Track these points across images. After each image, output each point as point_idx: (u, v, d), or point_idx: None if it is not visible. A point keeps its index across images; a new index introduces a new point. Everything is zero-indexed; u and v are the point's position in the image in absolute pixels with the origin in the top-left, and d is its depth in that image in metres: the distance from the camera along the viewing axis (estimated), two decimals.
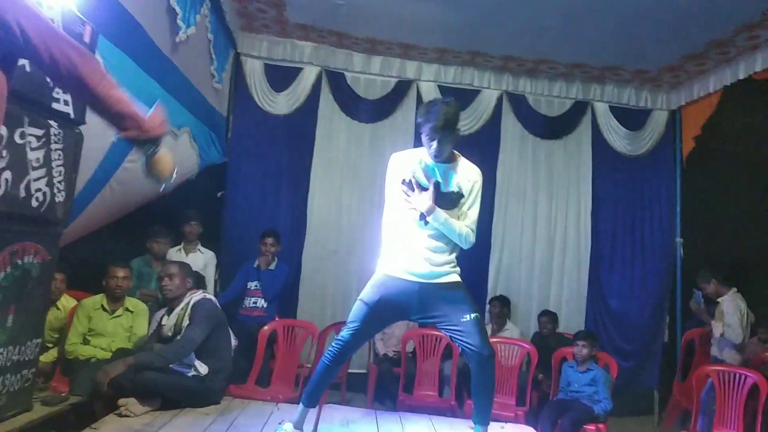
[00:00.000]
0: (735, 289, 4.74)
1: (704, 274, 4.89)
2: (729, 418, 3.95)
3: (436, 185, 2.65)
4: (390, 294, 2.65)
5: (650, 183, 6.36)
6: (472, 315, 2.60)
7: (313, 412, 2.93)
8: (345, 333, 2.69)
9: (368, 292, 2.70)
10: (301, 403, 2.77)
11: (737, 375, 4.02)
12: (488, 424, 2.76)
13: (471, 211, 2.72)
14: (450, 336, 2.69)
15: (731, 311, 4.57)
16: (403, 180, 2.67)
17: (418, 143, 5.73)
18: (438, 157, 2.64)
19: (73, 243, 4.14)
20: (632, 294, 6.24)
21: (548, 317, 5.46)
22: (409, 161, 2.74)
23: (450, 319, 2.61)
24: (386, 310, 2.70)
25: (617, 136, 6.35)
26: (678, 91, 6.19)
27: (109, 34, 3.24)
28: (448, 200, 2.67)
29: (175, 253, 4.75)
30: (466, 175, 2.72)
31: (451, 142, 2.64)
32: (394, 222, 2.71)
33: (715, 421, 4.03)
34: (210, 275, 4.87)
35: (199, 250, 4.84)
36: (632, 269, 6.26)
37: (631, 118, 6.37)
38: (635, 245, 6.30)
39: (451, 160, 2.72)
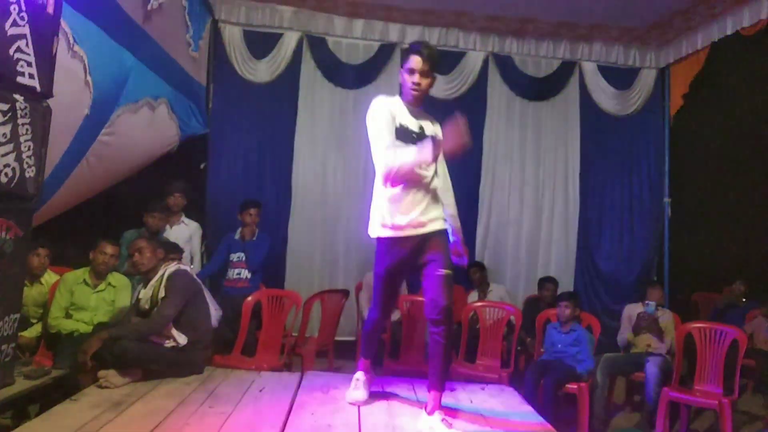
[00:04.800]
0: None
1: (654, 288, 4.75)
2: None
3: (421, 129, 2.69)
4: (399, 256, 2.68)
5: (639, 143, 6.32)
6: (446, 271, 2.62)
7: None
8: (372, 312, 2.83)
9: (378, 263, 2.75)
10: (361, 356, 3.04)
11: (717, 331, 4.08)
12: (442, 389, 2.65)
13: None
14: (423, 284, 2.70)
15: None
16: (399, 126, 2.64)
17: None
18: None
19: (58, 218, 4.12)
20: (621, 255, 6.25)
21: (550, 284, 5.37)
22: (394, 105, 2.69)
23: (430, 267, 2.63)
24: (398, 272, 2.78)
25: (605, 96, 6.27)
26: (666, 49, 6.09)
27: (75, 3, 3.17)
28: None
29: None
30: (432, 120, 2.79)
31: None
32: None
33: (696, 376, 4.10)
34: (195, 247, 4.86)
35: (183, 222, 4.80)
36: (621, 230, 6.27)
37: (620, 78, 6.28)
38: (624, 206, 6.29)
39: (421, 104, 2.76)
